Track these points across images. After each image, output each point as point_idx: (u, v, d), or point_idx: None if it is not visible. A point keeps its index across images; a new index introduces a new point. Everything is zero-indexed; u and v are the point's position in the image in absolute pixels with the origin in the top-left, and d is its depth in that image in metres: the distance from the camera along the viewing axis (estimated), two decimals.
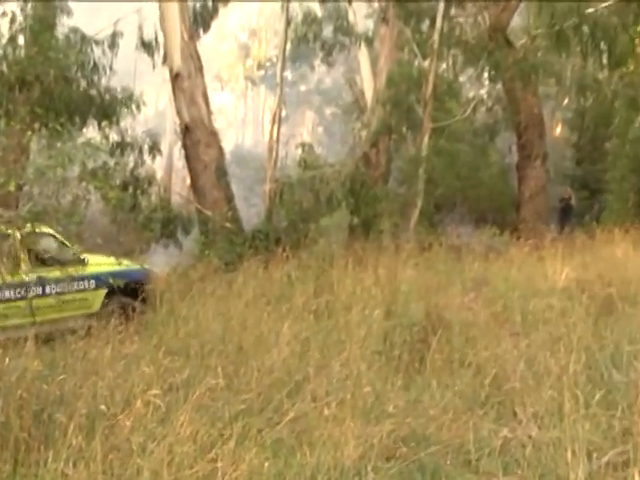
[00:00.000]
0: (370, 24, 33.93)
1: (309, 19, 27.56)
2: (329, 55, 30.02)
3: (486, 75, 27.57)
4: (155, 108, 61.21)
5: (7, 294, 12.14)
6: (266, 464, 6.61)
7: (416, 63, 25.76)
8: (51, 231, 12.66)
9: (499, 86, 27.47)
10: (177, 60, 20.99)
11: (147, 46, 24.03)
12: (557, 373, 8.32)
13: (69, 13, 22.95)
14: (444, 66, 25.88)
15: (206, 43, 29.66)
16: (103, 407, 7.48)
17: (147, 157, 22.27)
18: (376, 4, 29.77)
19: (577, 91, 32.60)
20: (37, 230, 11.87)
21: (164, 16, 21.19)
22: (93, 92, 21.82)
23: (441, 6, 22.01)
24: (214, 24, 26.44)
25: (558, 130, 40.24)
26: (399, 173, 29.56)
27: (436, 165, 25.33)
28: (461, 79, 29.60)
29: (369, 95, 27.98)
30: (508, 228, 24.13)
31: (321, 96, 60.09)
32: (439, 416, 7.89)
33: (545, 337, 10.27)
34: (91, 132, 21.97)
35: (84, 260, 13.08)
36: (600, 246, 19.06)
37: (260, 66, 53.96)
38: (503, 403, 8.42)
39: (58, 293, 12.71)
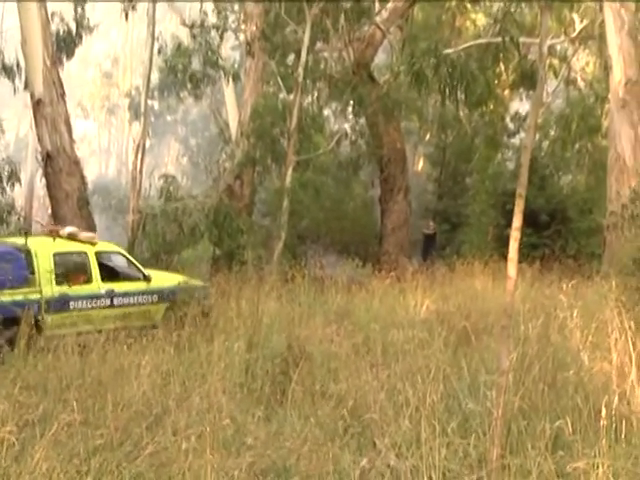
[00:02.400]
0: (237, 56, 34.03)
1: (178, 50, 27.36)
2: (197, 87, 29.88)
3: (350, 109, 27.99)
4: (16, 134, 59.87)
5: (80, 304, 13.73)
6: None
7: (281, 96, 25.91)
8: (121, 250, 15.23)
9: (363, 120, 27.88)
10: (39, 86, 20.56)
11: (8, 70, 23.55)
12: (416, 403, 8.43)
13: None
14: (309, 99, 26.10)
15: (70, 70, 29.24)
16: None
17: (6, 185, 21.81)
18: (242, 36, 29.86)
19: (439, 127, 33.49)
20: (108, 249, 14.72)
21: (26, 40, 20.70)
22: None
23: (306, 40, 22.23)
24: (78, 51, 26.11)
25: (420, 165, 41.10)
26: (263, 205, 29.68)
27: (300, 197, 25.48)
28: (326, 113, 29.91)
29: (234, 127, 28.03)
30: (371, 260, 24.45)
31: (187, 127, 59.88)
32: (299, 447, 7.89)
33: (405, 368, 10.38)
34: None
35: (149, 276, 14.90)
36: (460, 279, 19.44)
37: (125, 95, 53.38)
38: (363, 433, 8.48)
39: (125, 305, 14.41)
